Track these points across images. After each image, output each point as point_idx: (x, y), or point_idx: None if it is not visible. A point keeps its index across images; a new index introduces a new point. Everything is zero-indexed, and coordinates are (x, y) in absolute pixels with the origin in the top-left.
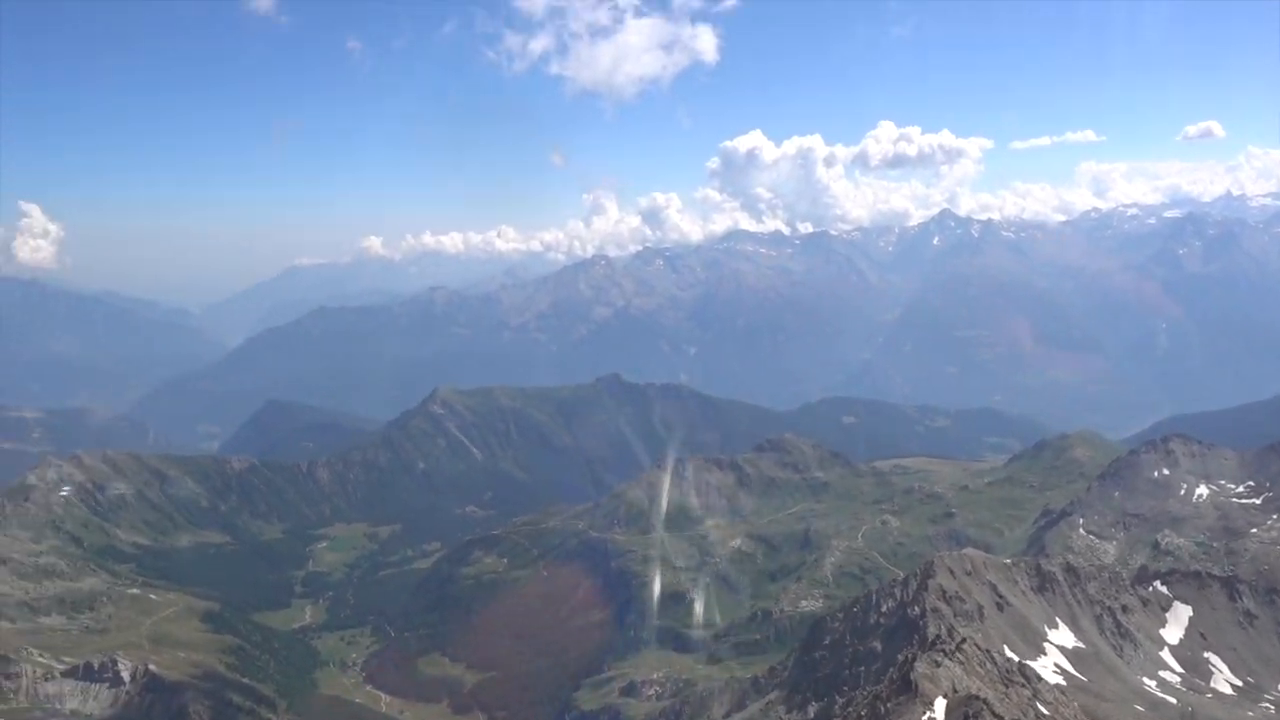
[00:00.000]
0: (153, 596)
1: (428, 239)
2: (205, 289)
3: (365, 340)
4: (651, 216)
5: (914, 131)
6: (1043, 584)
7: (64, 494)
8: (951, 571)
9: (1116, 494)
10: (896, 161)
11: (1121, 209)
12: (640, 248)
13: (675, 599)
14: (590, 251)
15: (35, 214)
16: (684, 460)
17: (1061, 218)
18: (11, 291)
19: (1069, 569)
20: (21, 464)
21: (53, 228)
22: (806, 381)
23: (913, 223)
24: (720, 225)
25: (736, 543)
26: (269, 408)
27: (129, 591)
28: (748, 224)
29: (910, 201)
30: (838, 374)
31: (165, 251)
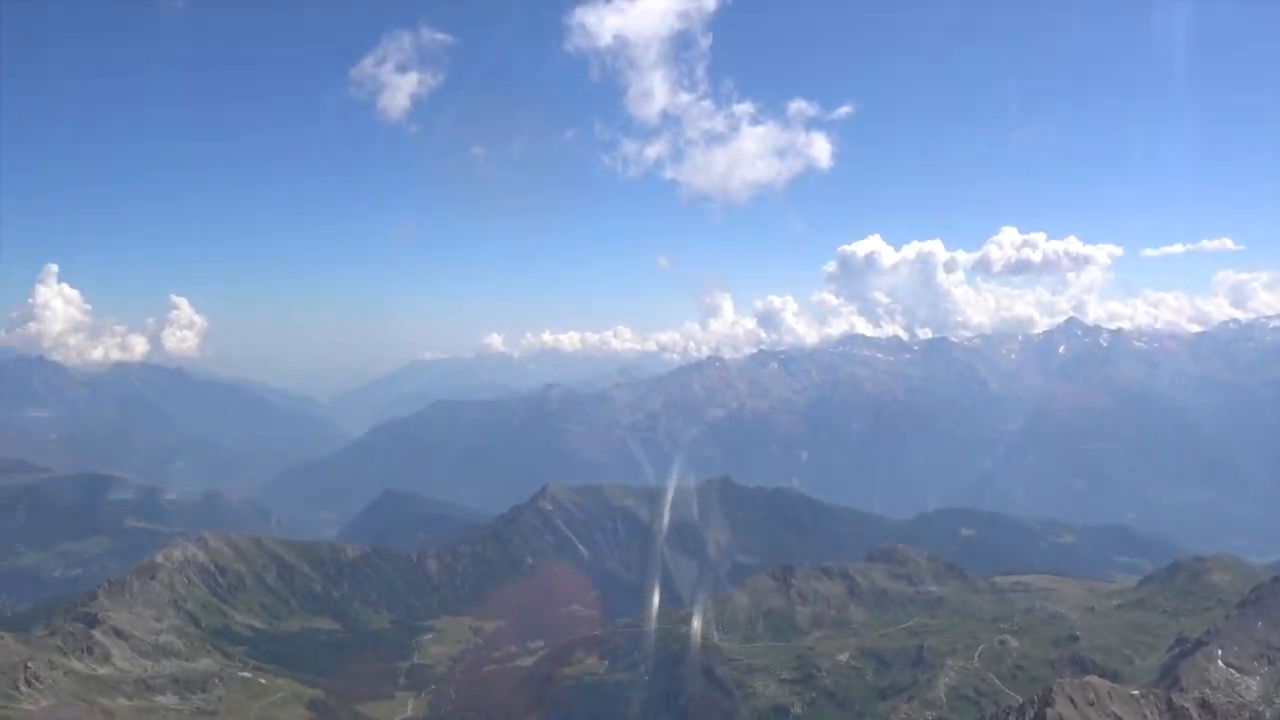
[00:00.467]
0: (262, 681)
1: (546, 337)
2: (333, 380)
3: (482, 434)
4: (767, 319)
5: (1039, 238)
6: None
7: (187, 574)
8: (1073, 700)
9: (1259, 624)
10: (1020, 267)
11: (1263, 320)
12: (755, 350)
13: (779, 712)
14: (705, 353)
15: (184, 307)
16: (792, 567)
17: (1197, 328)
18: (160, 379)
19: (1204, 705)
20: (156, 543)
21: (198, 319)
22: (923, 491)
23: (1037, 330)
24: (837, 329)
25: (845, 656)
26: (386, 497)
27: (240, 674)
28: (865, 328)
29: (1035, 308)
30: (956, 484)
31: (297, 343)
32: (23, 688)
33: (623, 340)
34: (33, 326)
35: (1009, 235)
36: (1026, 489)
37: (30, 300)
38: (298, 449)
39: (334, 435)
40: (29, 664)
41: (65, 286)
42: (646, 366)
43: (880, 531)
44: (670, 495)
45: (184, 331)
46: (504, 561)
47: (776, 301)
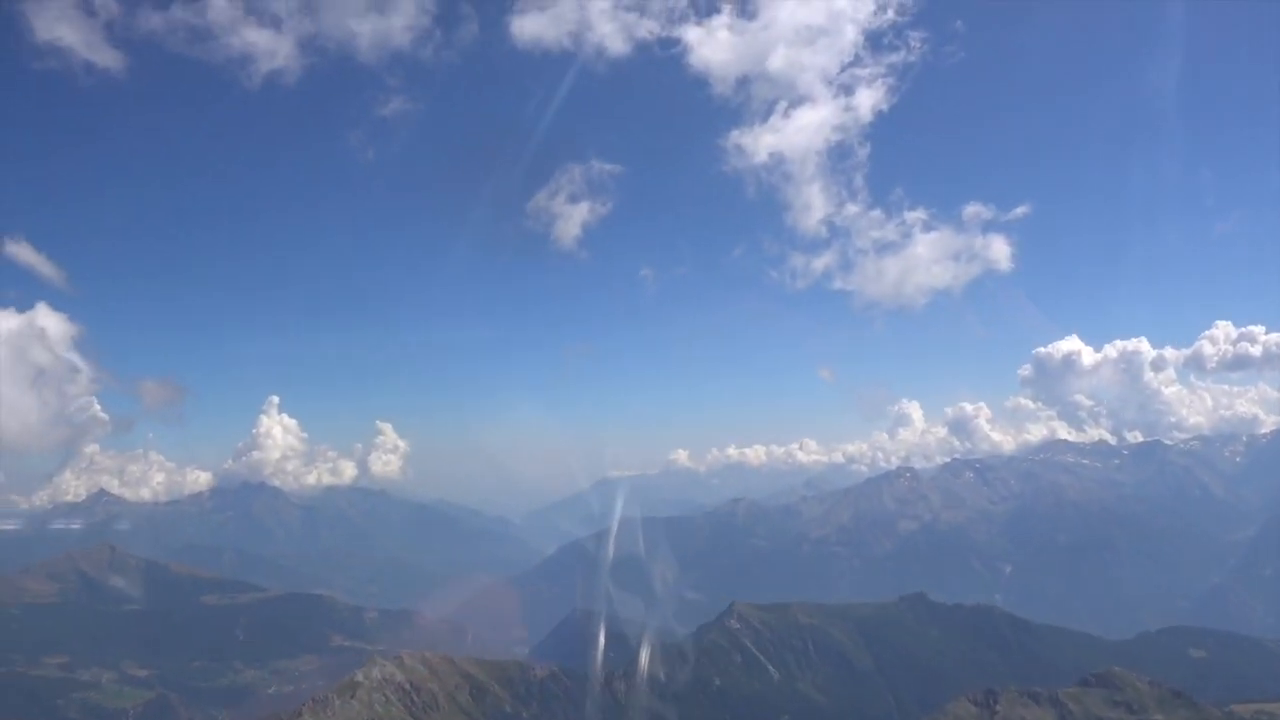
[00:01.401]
0: None
1: (731, 451)
2: (526, 499)
3: (669, 550)
4: (959, 426)
5: (1257, 330)
6: None
7: (385, 692)
8: None
9: None
10: (1238, 363)
11: None
12: (948, 459)
13: None
14: (894, 463)
15: (387, 432)
16: (996, 692)
17: None
18: (364, 501)
19: None
20: (359, 660)
21: (400, 444)
22: (1141, 608)
23: (1264, 430)
24: (1036, 435)
25: None
26: (575, 615)
27: None
28: (1066, 433)
29: (1258, 406)
30: (1180, 600)
31: (491, 464)
32: None
33: (808, 452)
34: (256, 454)
35: (1223, 330)
36: (1265, 605)
37: (254, 430)
38: (491, 567)
39: (526, 553)
40: None
41: (285, 416)
42: (833, 479)
43: (1094, 653)
44: (863, 614)
45: (388, 455)
46: (691, 683)
47: (969, 408)
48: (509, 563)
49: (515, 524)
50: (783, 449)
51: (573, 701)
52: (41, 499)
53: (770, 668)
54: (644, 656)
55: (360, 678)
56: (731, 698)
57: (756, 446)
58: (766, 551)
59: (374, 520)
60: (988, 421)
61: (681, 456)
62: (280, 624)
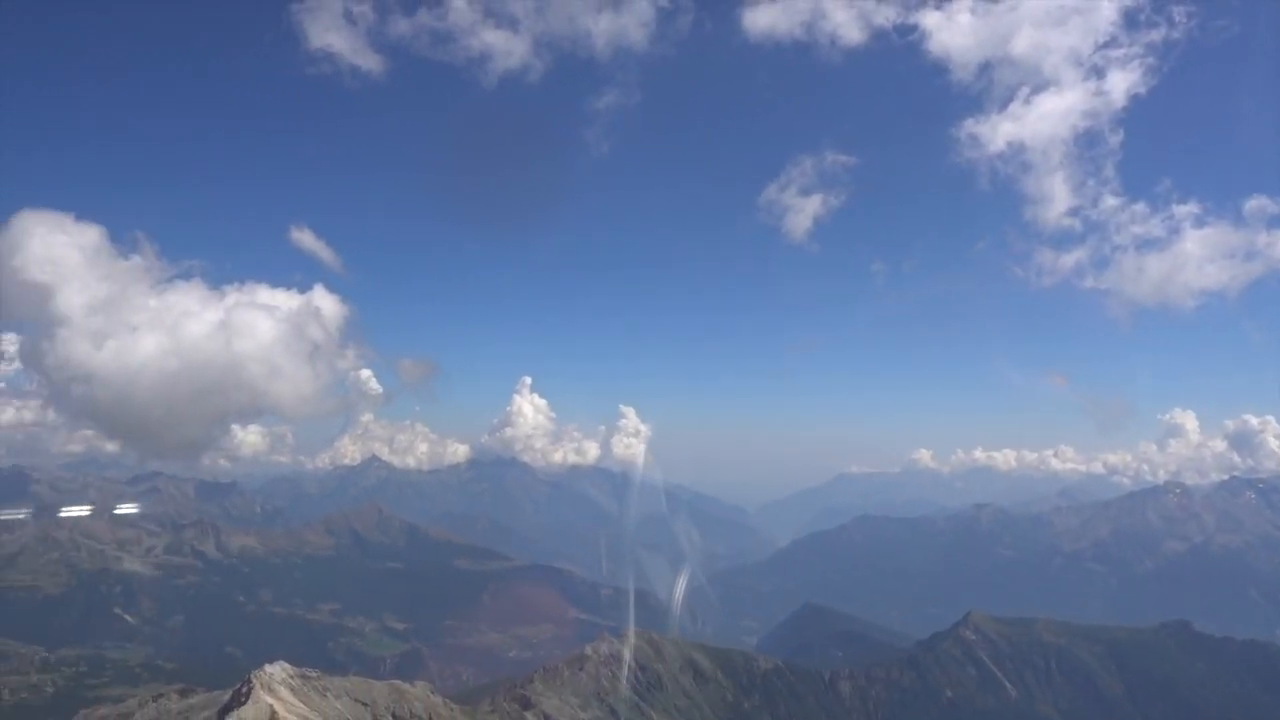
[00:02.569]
0: None
1: (979, 454)
2: (762, 490)
3: (905, 552)
4: (1241, 441)
5: None
6: None
7: (612, 668)
8: None
9: None
10: None
11: None
12: (1226, 476)
13: None
14: (1162, 477)
15: (630, 416)
16: None
17: None
18: (605, 482)
19: None
20: (593, 634)
21: (643, 428)
22: None
23: None
24: None
25: None
26: (805, 610)
27: None
28: None
29: None
30: None
31: (729, 452)
32: None
33: (1064, 460)
34: (509, 431)
35: None
36: None
37: (509, 408)
38: (726, 556)
39: (760, 544)
40: None
41: (536, 396)
42: (1091, 490)
43: None
44: (1117, 637)
45: (630, 439)
46: (920, 691)
47: (1254, 422)
48: (743, 551)
49: (750, 514)
50: (1035, 454)
51: (796, 697)
52: (324, 460)
53: (1007, 684)
54: (873, 659)
55: (589, 651)
56: (963, 711)
57: (1006, 450)
58: (1011, 561)
59: (612, 500)
60: (1276, 438)
61: (924, 456)
62: (523, 593)
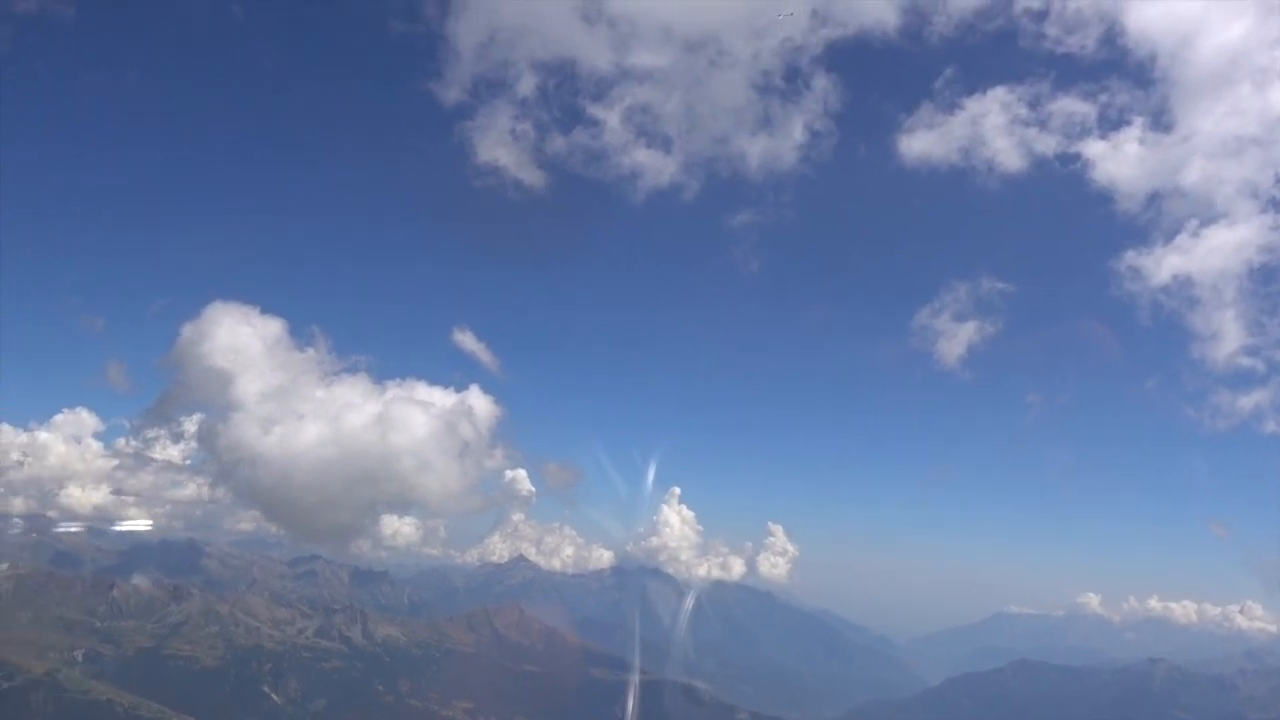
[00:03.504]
0: None
1: (1154, 604)
2: (912, 621)
3: (1068, 704)
4: None
5: None
6: None
7: None
8: None
9: None
10: None
11: None
12: None
13: None
14: None
15: (778, 534)
16: None
17: None
18: (749, 600)
19: None
20: None
21: (790, 548)
22: None
23: None
24: None
25: None
26: None
27: None
28: None
29: None
30: None
31: (879, 580)
32: None
33: (1251, 618)
34: (654, 540)
35: None
36: None
37: (655, 517)
38: (870, 688)
39: (908, 679)
40: None
41: (684, 508)
42: None
43: None
44: None
45: (776, 558)
46: None
47: None
48: (889, 685)
49: (899, 646)
50: (1219, 609)
51: None
52: (473, 556)
53: None
54: None
55: None
56: None
57: (1185, 602)
58: None
59: (757, 620)
60: None
61: (1092, 601)
62: (655, 709)
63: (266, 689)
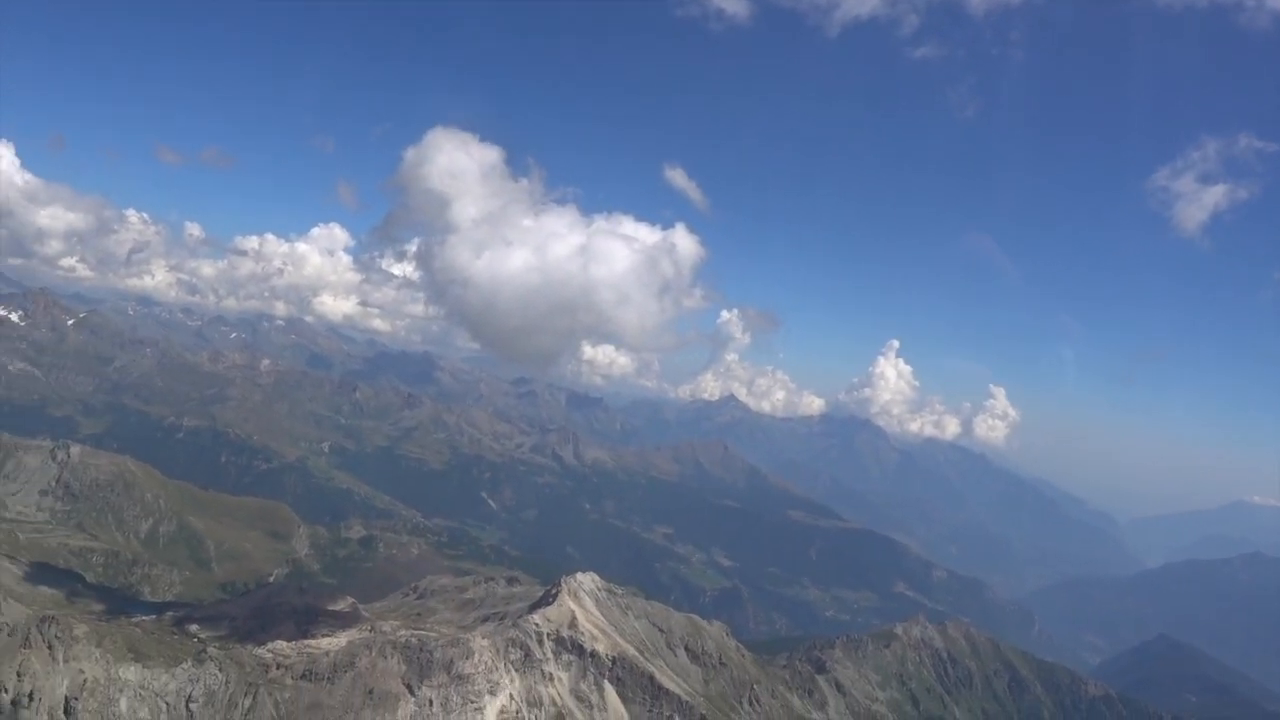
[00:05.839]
0: None
1: None
2: (1136, 501)
3: None
4: None
5: None
6: None
7: (920, 654)
8: None
9: None
10: None
11: None
12: None
13: None
14: None
15: (1000, 397)
16: None
17: None
18: (963, 461)
19: None
20: (915, 612)
21: (1011, 412)
22: None
23: None
24: None
25: None
26: (1160, 643)
27: None
28: None
29: None
30: None
31: (1105, 455)
32: (745, 705)
33: None
34: (867, 392)
35: None
36: None
37: (871, 369)
38: (1081, 564)
39: (1123, 559)
40: (755, 686)
41: (901, 361)
42: None
43: None
44: None
45: (995, 421)
46: None
47: None
48: (1102, 563)
49: (1118, 524)
50: None
51: None
52: (685, 392)
53: None
54: (1237, 714)
55: (899, 631)
56: None
57: None
58: None
59: (969, 481)
60: None
61: None
62: (852, 556)
63: (484, 494)
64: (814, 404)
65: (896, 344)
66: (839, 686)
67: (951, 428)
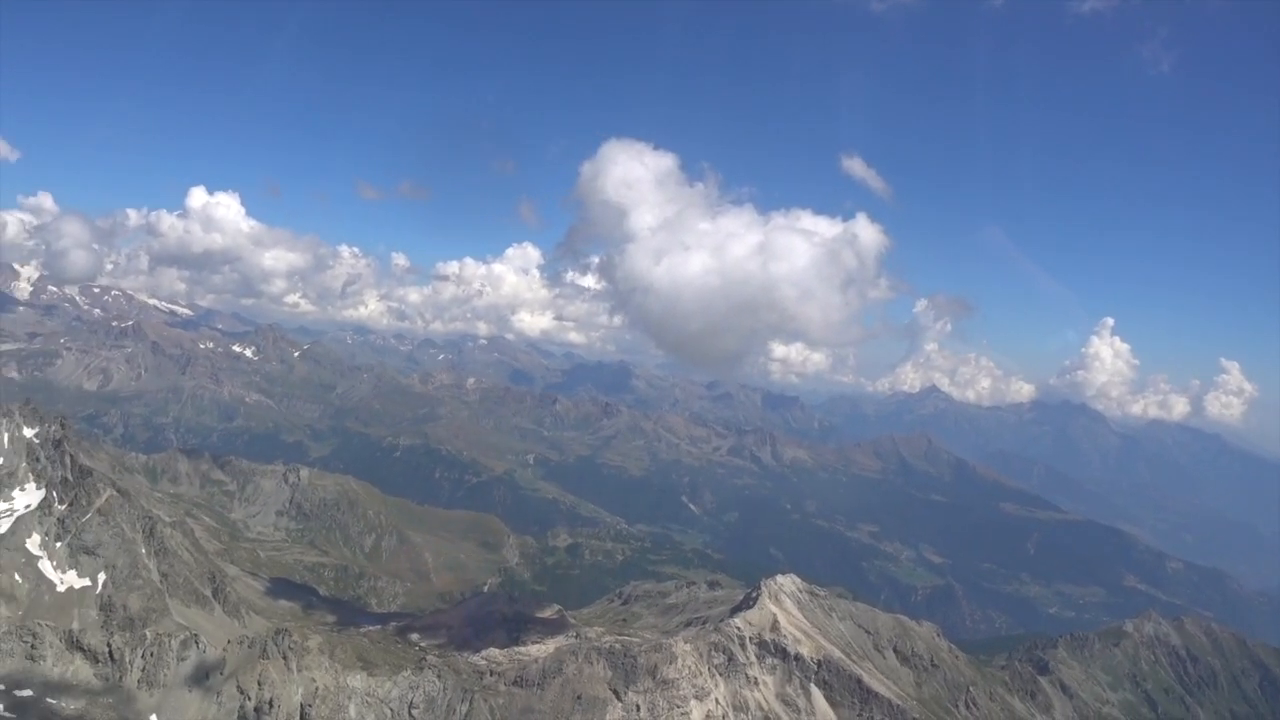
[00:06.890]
0: None
1: None
2: None
3: None
4: None
5: None
6: None
7: (1155, 652)
8: None
9: None
10: None
11: None
12: None
13: None
14: None
15: (1234, 372)
16: None
17: None
18: (1194, 442)
19: None
20: (1149, 607)
21: (1247, 387)
22: None
23: None
24: None
25: None
26: None
27: None
28: None
29: None
30: None
31: None
32: (961, 709)
33: None
34: (1081, 374)
35: None
36: None
37: (1084, 350)
38: None
39: None
40: (971, 688)
41: (1117, 340)
42: None
43: None
44: None
45: (1230, 398)
46: None
47: None
48: None
49: None
50: None
51: None
52: (884, 385)
53: None
54: None
55: (1130, 629)
56: None
57: None
58: None
59: (1202, 465)
60: None
61: None
62: (1074, 549)
63: (684, 498)
64: (1023, 390)
65: (1111, 322)
66: (1064, 688)
67: (1179, 408)
